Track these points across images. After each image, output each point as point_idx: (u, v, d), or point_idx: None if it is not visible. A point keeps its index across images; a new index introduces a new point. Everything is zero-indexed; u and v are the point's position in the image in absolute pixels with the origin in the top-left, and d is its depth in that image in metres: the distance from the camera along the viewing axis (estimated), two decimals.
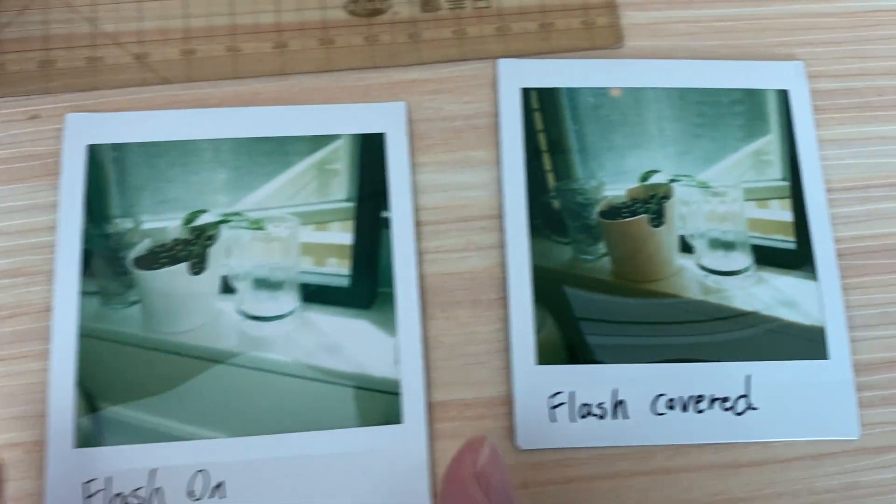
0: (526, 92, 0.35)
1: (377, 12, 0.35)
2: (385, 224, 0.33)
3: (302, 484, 0.30)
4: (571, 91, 0.35)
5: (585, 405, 0.32)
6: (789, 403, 0.32)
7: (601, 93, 0.35)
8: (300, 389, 0.31)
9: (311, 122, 0.34)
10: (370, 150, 0.34)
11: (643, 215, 0.34)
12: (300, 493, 0.30)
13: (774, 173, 0.35)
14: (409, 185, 0.34)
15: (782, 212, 0.35)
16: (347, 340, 0.32)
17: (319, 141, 0.34)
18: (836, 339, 0.33)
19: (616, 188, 0.34)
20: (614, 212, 0.34)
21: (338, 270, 0.32)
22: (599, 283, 0.33)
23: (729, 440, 0.32)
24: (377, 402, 0.31)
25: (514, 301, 0.33)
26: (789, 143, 0.36)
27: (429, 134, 0.35)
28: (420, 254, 0.33)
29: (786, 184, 0.35)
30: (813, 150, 0.36)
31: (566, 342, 0.32)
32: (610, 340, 0.33)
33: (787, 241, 0.34)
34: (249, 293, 0.32)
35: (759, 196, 0.35)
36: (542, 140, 0.35)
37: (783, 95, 0.36)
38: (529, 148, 0.34)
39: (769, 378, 0.33)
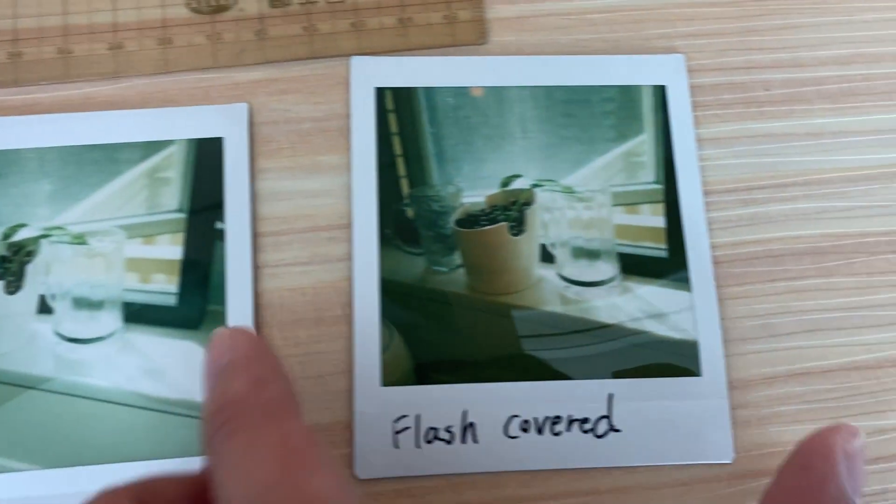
0: (380, 92, 0.33)
1: (221, 9, 0.33)
2: (220, 236, 0.31)
3: None
4: (429, 91, 0.33)
5: (432, 429, 0.29)
6: (656, 425, 0.30)
7: (461, 92, 0.33)
8: (120, 417, 0.29)
9: (144, 128, 0.32)
10: (206, 157, 0.31)
11: (502, 223, 0.32)
12: None
13: (647, 176, 0.33)
14: (248, 194, 0.31)
15: (654, 217, 0.32)
16: (172, 364, 0.29)
17: (152, 147, 0.31)
18: (710, 355, 0.31)
19: (475, 194, 0.32)
20: (472, 220, 0.32)
21: (164, 288, 0.30)
22: (452, 297, 0.31)
23: (588, 465, 0.29)
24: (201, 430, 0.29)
25: (358, 318, 0.30)
26: (665, 144, 0.33)
27: (273, 137, 0.32)
28: (258, 268, 0.31)
29: (659, 187, 0.33)
30: (690, 150, 0.33)
31: (414, 361, 0.30)
32: (463, 357, 0.30)
33: (658, 248, 0.32)
34: (68, 313, 0.30)
35: (629, 201, 0.32)
36: (397, 143, 0.32)
37: (660, 92, 0.33)
38: (382, 152, 0.32)
39: (633, 397, 0.30)
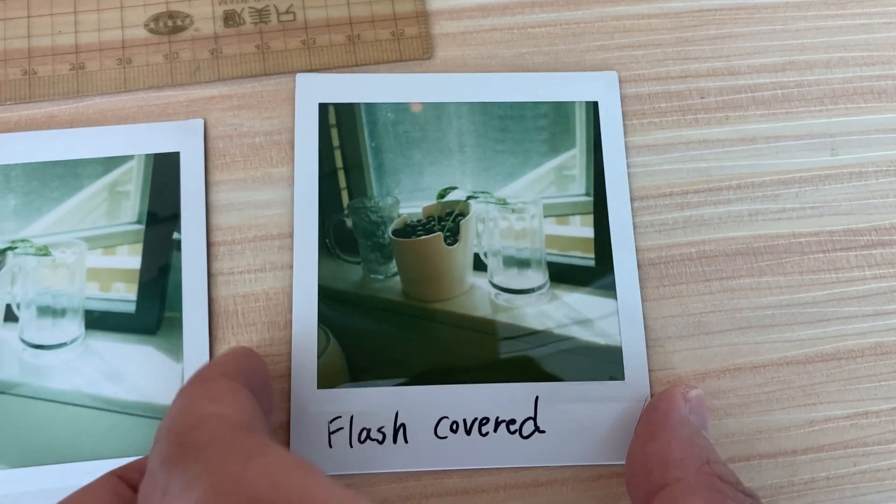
0: (323, 108, 0.34)
1: (178, 29, 0.35)
2: (177, 246, 0.32)
3: None
4: (370, 106, 0.34)
5: (365, 429, 0.30)
6: (579, 426, 0.31)
7: (401, 108, 0.34)
8: (81, 418, 0.31)
9: (104, 144, 0.33)
10: (163, 170, 0.33)
11: (438, 233, 0.33)
12: None
13: (577, 188, 0.34)
14: (203, 205, 0.33)
15: (583, 228, 0.34)
16: (131, 368, 0.31)
17: (112, 162, 0.33)
18: (633, 360, 0.32)
19: (413, 206, 0.33)
20: (409, 230, 0.33)
21: (124, 296, 0.32)
22: (388, 304, 0.32)
23: (512, 465, 0.31)
24: None
25: (297, 323, 0.32)
26: (596, 158, 0.34)
27: (227, 151, 0.34)
28: (212, 276, 0.32)
29: (588, 199, 0.34)
30: (620, 163, 0.34)
31: (350, 365, 0.31)
32: (396, 362, 0.31)
33: (585, 257, 0.33)
34: (33, 321, 0.31)
35: (560, 212, 0.34)
36: (338, 157, 0.34)
37: (592, 108, 0.35)
38: (324, 165, 0.33)
39: (559, 399, 0.31)
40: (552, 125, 0.34)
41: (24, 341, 0.31)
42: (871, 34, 0.37)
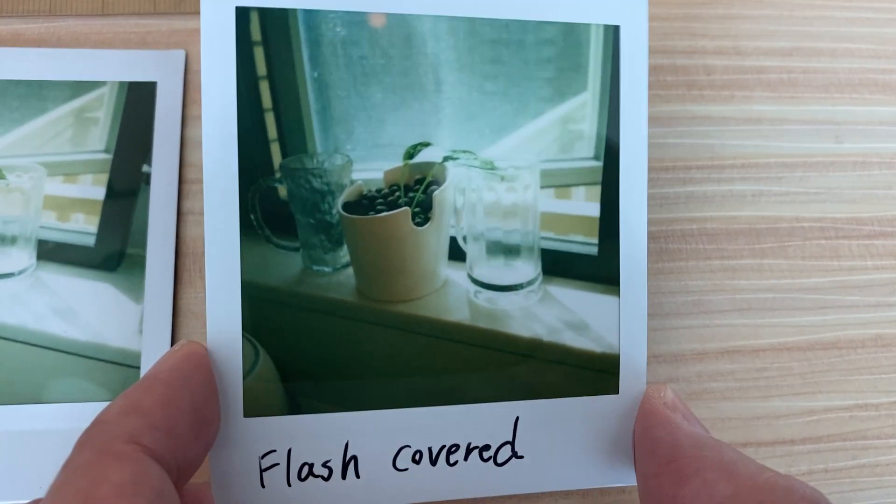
0: (243, 14, 0.24)
1: None
2: (146, 180, 0.30)
3: (17, 462, 0.26)
4: (311, 15, 0.24)
5: (307, 464, 0.24)
6: (563, 449, 0.26)
7: (356, 20, 0.24)
8: (24, 357, 0.27)
9: (74, 67, 0.31)
10: (137, 100, 0.30)
11: (404, 209, 0.25)
12: (15, 471, 0.26)
13: (585, 150, 0.26)
14: (177, 139, 0.30)
15: (587, 204, 0.26)
16: (85, 305, 0.28)
17: (81, 87, 0.30)
18: (631, 371, 0.26)
19: (370, 168, 0.25)
20: (365, 203, 0.25)
21: (83, 227, 0.29)
22: (336, 305, 0.25)
23: (483, 495, 0.26)
24: (112, 375, 0.28)
25: (213, 332, 0.24)
26: (611, 107, 0.26)
27: None
28: (182, 214, 0.30)
29: (598, 164, 0.26)
30: (640, 118, 0.26)
31: (286, 386, 0.24)
32: (346, 381, 0.25)
33: (588, 243, 0.26)
34: None
35: (561, 181, 0.26)
36: (266, 93, 0.24)
37: (612, 35, 0.26)
38: (245, 105, 0.24)
39: (542, 419, 0.26)
40: (559, 57, 0.25)
41: None
42: (878, 28, 0.37)
